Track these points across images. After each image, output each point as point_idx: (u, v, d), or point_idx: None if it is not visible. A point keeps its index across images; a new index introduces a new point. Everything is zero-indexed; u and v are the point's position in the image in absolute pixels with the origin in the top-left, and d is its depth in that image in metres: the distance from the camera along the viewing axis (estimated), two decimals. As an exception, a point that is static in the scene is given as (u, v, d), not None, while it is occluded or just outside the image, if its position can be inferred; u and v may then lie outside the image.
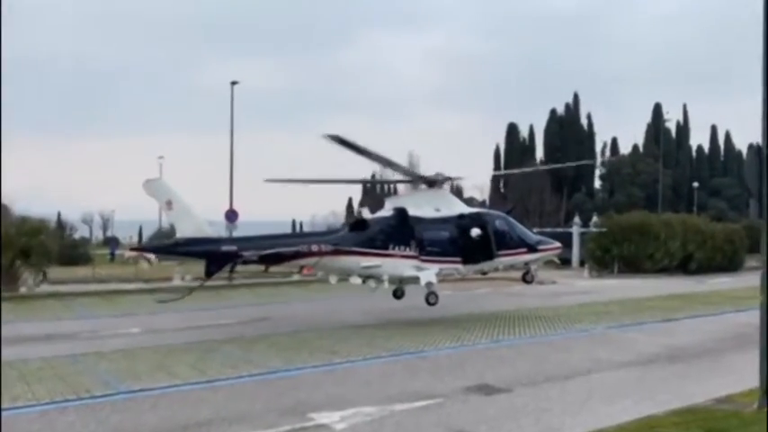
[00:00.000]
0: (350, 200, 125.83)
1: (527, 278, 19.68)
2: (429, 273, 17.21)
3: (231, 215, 33.19)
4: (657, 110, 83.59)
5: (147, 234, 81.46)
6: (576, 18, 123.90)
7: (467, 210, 18.97)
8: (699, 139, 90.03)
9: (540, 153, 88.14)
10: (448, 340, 15.25)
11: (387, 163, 17.96)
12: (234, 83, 36.25)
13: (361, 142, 16.35)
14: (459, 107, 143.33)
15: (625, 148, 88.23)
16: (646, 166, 77.90)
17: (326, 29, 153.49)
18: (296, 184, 19.08)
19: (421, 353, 13.80)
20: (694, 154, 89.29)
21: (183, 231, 16.42)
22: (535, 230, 48.26)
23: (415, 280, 17.34)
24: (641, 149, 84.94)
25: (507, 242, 18.29)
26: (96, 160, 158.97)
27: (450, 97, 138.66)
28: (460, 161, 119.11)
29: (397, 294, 18.99)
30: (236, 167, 37.11)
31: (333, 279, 18.16)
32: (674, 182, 78.87)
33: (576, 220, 47.31)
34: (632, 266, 38.36)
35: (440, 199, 18.32)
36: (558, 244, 20.28)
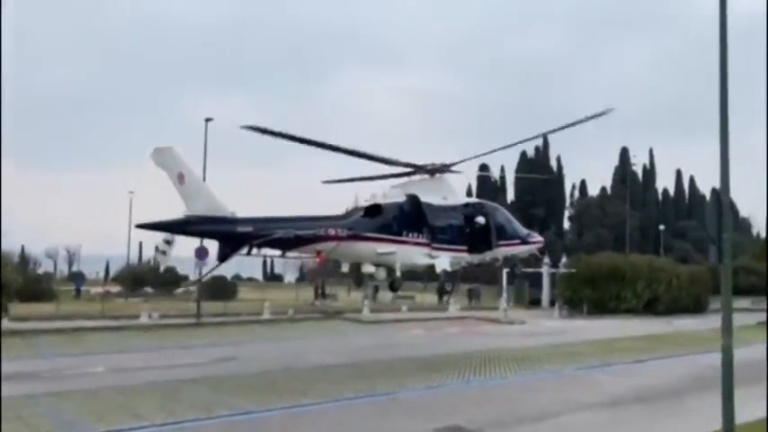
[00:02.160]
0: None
1: (515, 270, 20.47)
2: (443, 261, 17.04)
3: (201, 252, 32.71)
4: (624, 153, 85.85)
5: (114, 269, 79.89)
6: (546, 62, 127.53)
7: (469, 199, 19.07)
8: (665, 182, 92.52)
9: (510, 194, 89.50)
10: (419, 381, 15.20)
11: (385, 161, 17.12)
12: (208, 119, 36.28)
13: (335, 177, 16.11)
14: (431, 146, 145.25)
15: (594, 190, 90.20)
16: (614, 208, 79.48)
17: (303, 67, 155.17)
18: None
19: (392, 394, 13.73)
20: (660, 197, 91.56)
21: (195, 209, 14.96)
22: (505, 270, 48.67)
23: (429, 268, 17.19)
24: (609, 192, 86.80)
25: (505, 232, 18.52)
26: (63, 193, 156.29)
27: (423, 136, 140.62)
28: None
29: (394, 286, 18.31)
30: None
31: (345, 266, 17.79)
32: (642, 224, 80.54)
33: (546, 260, 47.87)
34: (601, 307, 38.84)
35: (444, 187, 18.12)
36: (541, 238, 20.68)
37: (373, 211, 16.94)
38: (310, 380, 15.32)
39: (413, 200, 17.21)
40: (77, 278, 62.65)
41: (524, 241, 19.24)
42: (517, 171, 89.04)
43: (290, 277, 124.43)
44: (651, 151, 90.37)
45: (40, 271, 72.67)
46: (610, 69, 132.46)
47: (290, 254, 16.84)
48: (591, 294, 39.40)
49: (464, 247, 17.49)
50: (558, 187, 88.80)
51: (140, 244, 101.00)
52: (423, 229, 16.93)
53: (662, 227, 70.36)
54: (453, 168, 18.05)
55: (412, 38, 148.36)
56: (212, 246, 33.47)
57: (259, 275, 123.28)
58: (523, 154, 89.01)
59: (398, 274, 16.94)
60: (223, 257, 15.42)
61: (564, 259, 47.20)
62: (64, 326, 27.80)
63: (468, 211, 17.91)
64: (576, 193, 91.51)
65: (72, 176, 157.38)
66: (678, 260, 51.92)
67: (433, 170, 17.73)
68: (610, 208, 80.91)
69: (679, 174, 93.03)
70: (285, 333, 26.56)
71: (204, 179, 36.55)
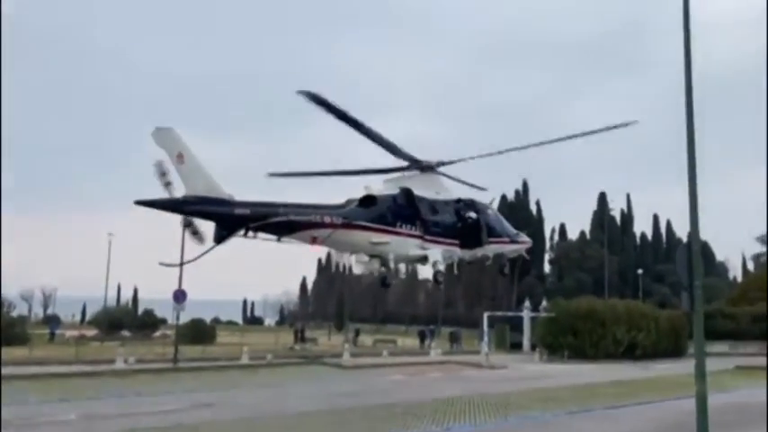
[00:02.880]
0: (303, 279, 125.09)
1: (504, 271, 20.58)
2: (435, 252, 17.34)
3: (179, 295, 32.48)
4: (603, 198, 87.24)
5: (91, 311, 78.61)
6: (525, 108, 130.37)
7: (461, 196, 18.85)
8: (642, 226, 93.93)
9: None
10: (398, 428, 15.07)
11: (379, 140, 16.79)
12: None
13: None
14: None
15: (573, 234, 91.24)
16: (593, 252, 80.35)
17: (284, 110, 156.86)
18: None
19: (370, 442, 13.59)
20: (638, 241, 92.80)
21: (194, 189, 15.03)
22: (486, 314, 48.81)
23: (422, 259, 17.40)
24: (588, 236, 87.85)
25: (494, 230, 18.85)
26: (40, 235, 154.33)
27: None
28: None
29: (385, 282, 18.54)
30: (190, 247, 36.68)
31: (344, 256, 17.80)
32: (620, 267, 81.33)
33: (527, 304, 48.08)
34: (581, 352, 38.89)
35: (437, 183, 18.33)
36: (529, 239, 20.91)
37: (368, 201, 17.03)
38: (286, 427, 15.13)
39: (406, 193, 17.49)
40: (52, 321, 61.50)
41: (513, 240, 19.68)
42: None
43: (271, 320, 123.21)
44: (628, 196, 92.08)
45: (15, 314, 71.20)
46: (589, 114, 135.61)
47: (285, 239, 16.26)
48: (571, 339, 39.49)
49: (456, 242, 17.82)
50: (537, 230, 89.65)
51: (118, 286, 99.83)
52: (416, 221, 17.19)
53: (640, 271, 71.14)
54: (444, 168, 18.19)
55: (393, 85, 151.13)
56: (191, 285, 33.06)
57: (239, 318, 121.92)
58: (503, 197, 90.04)
59: (392, 265, 17.23)
60: (219, 239, 15.40)
61: (544, 303, 47.42)
62: (37, 371, 27.15)
63: (460, 208, 18.25)
64: (556, 237, 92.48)
65: (51, 219, 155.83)
66: (657, 304, 52.41)
67: (426, 167, 17.98)
68: (589, 252, 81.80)
69: (656, 218, 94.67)
70: (263, 379, 26.21)
71: (184, 221, 36.65)
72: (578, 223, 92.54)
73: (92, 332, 57.89)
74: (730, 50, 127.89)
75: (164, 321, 66.22)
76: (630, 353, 39.51)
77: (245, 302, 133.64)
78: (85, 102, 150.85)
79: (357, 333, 60.62)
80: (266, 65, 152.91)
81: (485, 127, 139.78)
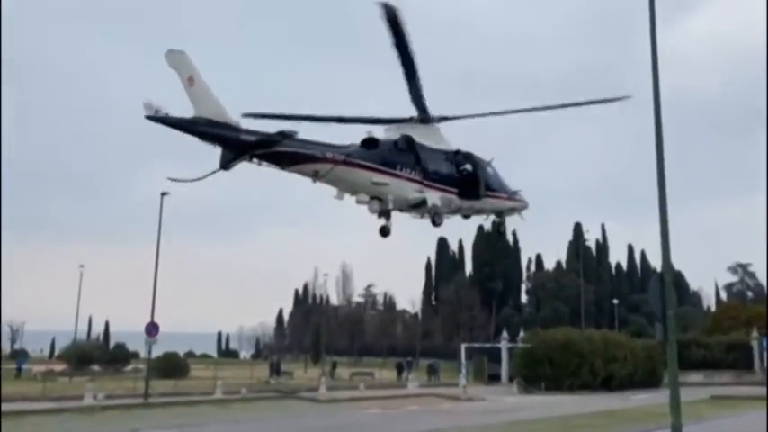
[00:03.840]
0: (280, 311, 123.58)
1: (500, 229, 20.76)
2: (434, 196, 17.71)
3: (152, 329, 31.75)
4: (578, 228, 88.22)
5: (60, 345, 76.62)
6: (502, 138, 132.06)
7: (460, 149, 19.09)
8: (617, 256, 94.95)
9: (469, 267, 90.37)
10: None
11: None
12: (164, 193, 36.05)
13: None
14: (394, 219, 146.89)
15: (549, 264, 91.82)
16: (569, 282, 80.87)
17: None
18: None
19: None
20: (614, 271, 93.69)
21: (203, 112, 15.46)
22: (464, 345, 48.59)
23: (421, 203, 17.60)
24: (564, 266, 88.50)
25: (492, 184, 19.15)
26: (7, 266, 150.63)
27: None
28: (393, 273, 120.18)
29: (385, 232, 18.48)
30: (163, 278, 36.13)
31: (341, 195, 17.35)
32: (597, 297, 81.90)
33: (505, 334, 47.99)
34: (558, 383, 38.77)
35: (437, 134, 18.63)
36: (526, 200, 20.74)
37: (369, 143, 17.29)
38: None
39: (407, 139, 17.85)
40: (19, 356, 59.72)
41: (511, 197, 19.89)
42: (475, 244, 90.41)
43: (246, 353, 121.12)
44: (603, 226, 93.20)
45: (-21, 348, 69.06)
46: (566, 147, 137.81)
47: (288, 169, 16.57)
48: (548, 370, 39.39)
49: (455, 190, 18.19)
50: (514, 260, 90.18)
51: (89, 319, 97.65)
52: (415, 167, 17.55)
53: (616, 301, 71.72)
54: (441, 123, 18.53)
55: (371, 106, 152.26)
56: (164, 318, 32.38)
57: (213, 351, 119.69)
58: (480, 228, 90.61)
59: (391, 206, 17.46)
60: (225, 164, 15.68)
61: (522, 334, 47.39)
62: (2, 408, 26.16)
63: (459, 159, 18.63)
64: (533, 267, 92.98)
65: (20, 249, 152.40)
66: (633, 334, 52.69)
67: (427, 119, 18.32)
68: (565, 282, 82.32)
69: (630, 248, 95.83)
70: (237, 414, 25.58)
71: (158, 253, 36.22)
72: (554, 253, 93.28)
73: (61, 367, 56.27)
74: (701, 84, 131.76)
75: (135, 355, 64.70)
76: (607, 383, 39.49)
77: (219, 335, 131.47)
78: (56, 130, 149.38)
79: (334, 366, 59.81)
80: (247, 94, 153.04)
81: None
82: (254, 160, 15.97)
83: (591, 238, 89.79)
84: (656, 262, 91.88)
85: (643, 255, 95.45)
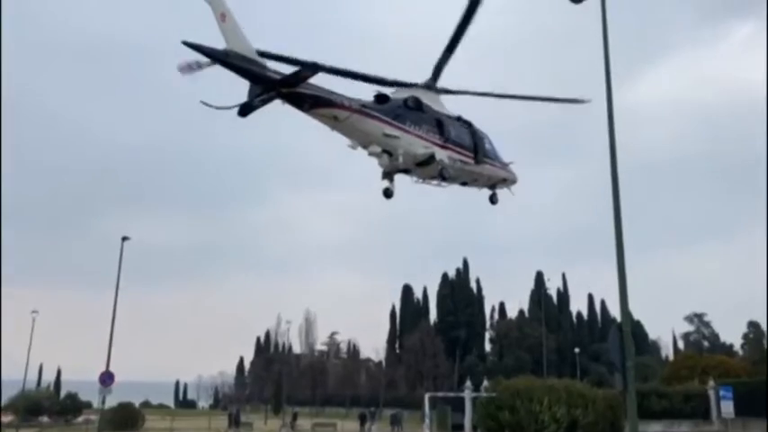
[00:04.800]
0: (241, 359, 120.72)
1: (493, 200, 21.56)
2: (442, 153, 18.76)
3: (106, 378, 30.67)
4: (539, 277, 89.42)
5: (7, 395, 73.05)
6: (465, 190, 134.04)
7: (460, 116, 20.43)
8: (578, 305, 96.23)
9: (433, 315, 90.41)
10: None
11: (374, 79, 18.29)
12: (125, 238, 35.56)
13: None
14: (358, 267, 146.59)
15: (512, 312, 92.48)
16: (532, 330, 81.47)
17: (234, 186, 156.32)
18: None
19: None
20: (575, 319, 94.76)
21: (234, 47, 16.31)
22: (428, 395, 48.19)
23: (429, 158, 18.51)
24: (527, 314, 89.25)
25: (489, 153, 20.47)
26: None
27: (352, 257, 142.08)
28: (358, 320, 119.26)
29: (388, 194, 19.22)
30: (121, 325, 35.25)
31: (355, 145, 18.36)
32: (559, 346, 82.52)
33: (468, 384, 47.73)
34: (522, 432, 38.61)
35: (439, 101, 19.86)
36: (516, 175, 21.85)
37: (381, 98, 18.49)
38: None
39: (416, 99, 19.02)
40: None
41: (504, 167, 21.02)
42: (439, 292, 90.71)
43: (204, 403, 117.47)
44: (564, 275, 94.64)
45: None
46: (528, 197, 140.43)
47: (309, 112, 17.49)
48: (511, 419, 39.22)
49: (458, 150, 19.33)
50: (478, 309, 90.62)
51: (41, 366, 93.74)
52: (423, 125, 18.78)
53: (577, 350, 72.39)
54: (441, 94, 19.85)
55: (340, 159, 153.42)
56: (120, 366, 31.45)
57: (170, 401, 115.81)
58: (445, 276, 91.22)
59: (401, 159, 18.24)
60: (252, 98, 16.61)
61: (485, 383, 47.27)
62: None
63: (460, 123, 19.97)
64: (496, 315, 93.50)
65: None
66: (594, 383, 53.01)
67: (431, 86, 19.60)
68: (528, 330, 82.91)
69: (591, 297, 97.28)
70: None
71: (116, 299, 35.41)
72: (517, 302, 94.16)
73: (8, 418, 53.74)
74: (657, 138, 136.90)
75: (88, 405, 62.22)
76: (570, 433, 39.47)
77: (177, 384, 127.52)
78: (10, 167, 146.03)
79: (295, 416, 58.48)
80: (217, 139, 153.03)
81: (429, 198, 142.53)
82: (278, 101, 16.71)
83: (552, 286, 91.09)
84: (615, 311, 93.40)
85: (603, 304, 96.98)
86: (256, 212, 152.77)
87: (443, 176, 19.07)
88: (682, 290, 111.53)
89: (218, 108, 16.59)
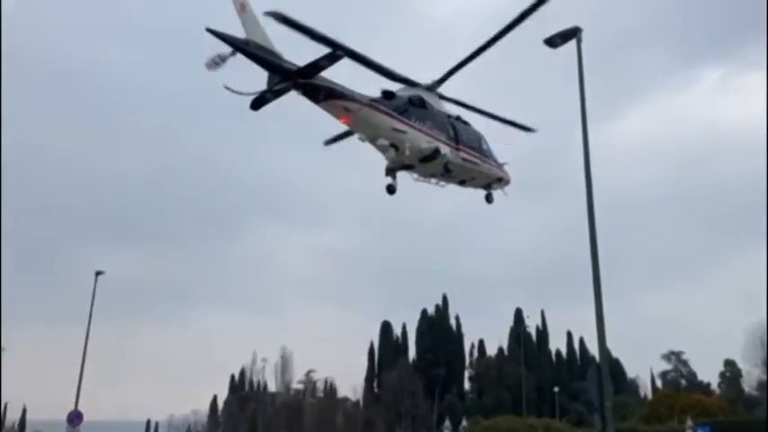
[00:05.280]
0: (215, 398, 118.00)
1: (489, 199, 22.34)
2: (445, 148, 19.81)
3: (75, 417, 29.72)
4: (519, 314, 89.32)
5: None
6: (447, 226, 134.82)
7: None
8: (558, 343, 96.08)
9: (412, 352, 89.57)
10: None
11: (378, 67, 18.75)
12: (99, 273, 34.91)
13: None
14: (337, 302, 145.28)
15: (492, 350, 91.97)
16: (511, 369, 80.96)
17: (211, 220, 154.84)
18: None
19: None
20: (554, 358, 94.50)
21: (253, 36, 17.01)
22: None
23: (434, 152, 19.32)
24: (506, 352, 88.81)
25: (486, 152, 21.47)
26: None
27: (329, 292, 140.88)
28: (336, 357, 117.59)
29: (391, 190, 19.93)
30: (90, 363, 34.30)
31: (364, 138, 19.08)
32: (538, 384, 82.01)
33: (447, 423, 47.19)
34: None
35: (439, 101, 20.80)
36: (509, 175, 22.56)
37: (388, 95, 19.43)
38: None
39: (420, 98, 20.01)
40: None
41: (500, 167, 21.90)
42: (418, 329, 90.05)
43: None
44: (543, 313, 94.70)
45: None
46: (507, 233, 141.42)
47: (322, 104, 18.30)
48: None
49: (459, 147, 20.35)
50: (457, 346, 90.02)
51: (5, 406, 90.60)
52: (427, 121, 19.73)
53: (556, 389, 71.97)
54: (440, 87, 20.69)
55: (324, 197, 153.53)
56: (89, 405, 30.50)
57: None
58: (424, 312, 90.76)
59: (408, 152, 19.06)
60: (271, 86, 17.28)
61: (464, 422, 46.77)
62: None
63: (458, 121, 21.04)
64: (476, 353, 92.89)
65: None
66: (573, 423, 52.72)
67: (432, 86, 20.65)
68: (507, 368, 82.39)
69: (570, 335, 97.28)
70: None
71: (88, 335, 34.49)
72: (497, 339, 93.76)
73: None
74: (634, 179, 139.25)
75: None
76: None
77: (148, 423, 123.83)
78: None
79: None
80: (186, 168, 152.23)
81: (407, 242, 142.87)
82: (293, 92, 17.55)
83: (531, 324, 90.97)
84: (594, 349, 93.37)
85: (582, 342, 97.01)
86: (233, 247, 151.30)
87: (448, 169, 19.89)
88: (659, 328, 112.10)
89: (240, 94, 17.30)
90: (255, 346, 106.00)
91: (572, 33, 17.20)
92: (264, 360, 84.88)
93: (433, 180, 20.75)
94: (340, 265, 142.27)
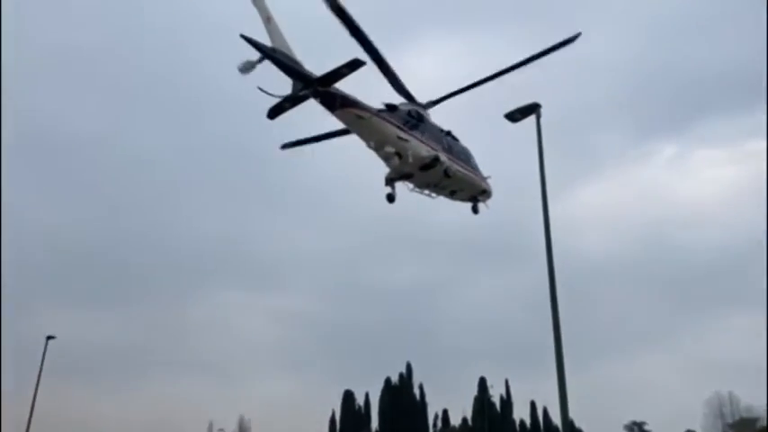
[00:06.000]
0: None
1: (475, 210, 24.27)
2: (444, 156, 21.88)
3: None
4: (483, 384, 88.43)
5: None
6: (409, 292, 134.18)
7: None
8: (521, 412, 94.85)
9: (375, 422, 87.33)
10: None
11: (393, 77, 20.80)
12: (49, 337, 33.66)
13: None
14: (297, 369, 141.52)
15: (456, 419, 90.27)
16: (475, 440, 79.47)
17: (167, 284, 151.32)
18: None
19: None
20: (518, 427, 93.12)
21: (279, 46, 19.02)
22: None
23: (434, 160, 21.38)
24: (470, 422, 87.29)
25: (473, 165, 23.69)
26: None
27: (289, 359, 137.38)
28: (296, 427, 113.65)
29: (391, 198, 21.84)
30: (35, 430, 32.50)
31: (371, 145, 21.02)
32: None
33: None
34: None
35: (431, 116, 22.97)
36: (491, 188, 24.58)
37: (392, 107, 21.47)
38: None
39: (418, 112, 22.10)
40: None
41: (484, 179, 23.97)
42: (381, 398, 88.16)
43: None
44: (507, 382, 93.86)
45: None
46: (471, 302, 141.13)
47: (336, 112, 20.28)
48: None
49: (452, 158, 22.42)
50: (421, 416, 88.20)
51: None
52: (425, 132, 21.79)
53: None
54: (432, 108, 23.00)
55: (284, 261, 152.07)
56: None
57: None
58: (388, 380, 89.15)
59: (411, 160, 20.98)
60: (295, 91, 19.22)
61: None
62: None
63: (451, 137, 23.26)
64: (440, 423, 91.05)
65: None
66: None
67: (428, 105, 22.97)
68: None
69: (533, 405, 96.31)
70: None
71: (34, 402, 32.84)
72: (461, 409, 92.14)
73: None
74: (594, 250, 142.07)
75: None
76: None
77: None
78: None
79: None
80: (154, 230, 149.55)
81: (369, 307, 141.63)
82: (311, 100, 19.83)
83: (495, 393, 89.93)
84: (557, 419, 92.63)
85: (545, 412, 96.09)
86: (189, 311, 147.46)
87: (447, 175, 21.91)
88: (622, 398, 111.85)
89: (272, 95, 19.23)
90: (212, 415, 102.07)
91: (532, 109, 18.03)
92: (221, 430, 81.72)
93: (426, 192, 22.66)
94: (301, 331, 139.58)
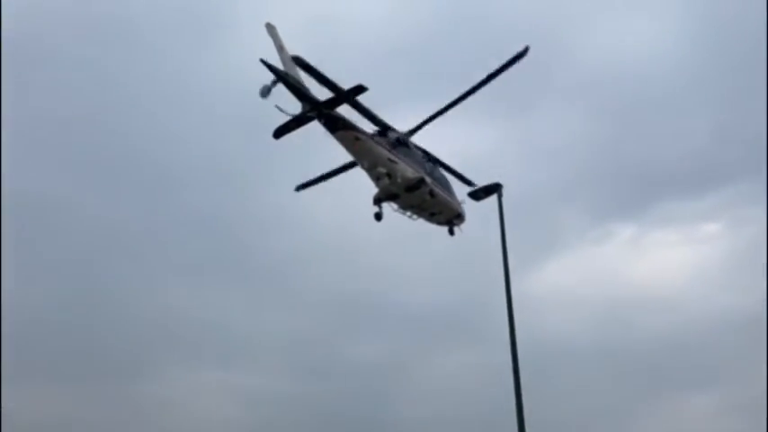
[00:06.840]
0: None
1: (452, 232, 25.82)
2: (428, 179, 23.46)
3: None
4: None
5: None
6: (377, 368, 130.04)
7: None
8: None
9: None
10: None
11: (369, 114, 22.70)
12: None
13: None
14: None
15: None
16: None
17: (121, 360, 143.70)
18: None
19: None
20: None
21: (290, 71, 20.68)
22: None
23: (419, 182, 22.85)
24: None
25: (450, 189, 25.33)
26: None
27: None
28: None
29: (378, 217, 23.39)
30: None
31: (364, 165, 22.83)
32: None
33: None
34: None
35: (413, 145, 24.68)
36: (465, 212, 26.05)
37: (383, 132, 23.19)
38: None
39: (404, 138, 23.94)
40: None
41: (459, 204, 25.43)
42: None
43: None
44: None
45: None
46: (432, 377, 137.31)
47: (336, 134, 21.90)
48: None
49: (434, 181, 24.09)
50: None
51: None
52: (411, 158, 23.57)
53: None
54: (411, 138, 24.72)
55: (246, 338, 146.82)
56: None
57: None
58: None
59: (399, 180, 22.58)
60: (304, 112, 20.81)
61: None
62: None
63: (430, 163, 24.98)
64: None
65: None
66: None
67: (409, 133, 24.73)
68: None
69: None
70: None
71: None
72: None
73: None
74: (555, 330, 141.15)
75: None
76: None
77: None
78: None
79: None
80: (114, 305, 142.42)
81: (338, 382, 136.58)
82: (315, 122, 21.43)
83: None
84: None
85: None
86: (136, 388, 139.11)
87: (432, 195, 23.38)
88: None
89: (287, 113, 20.72)
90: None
91: (494, 188, 18.61)
92: None
93: (408, 213, 24.09)
94: (262, 411, 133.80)
